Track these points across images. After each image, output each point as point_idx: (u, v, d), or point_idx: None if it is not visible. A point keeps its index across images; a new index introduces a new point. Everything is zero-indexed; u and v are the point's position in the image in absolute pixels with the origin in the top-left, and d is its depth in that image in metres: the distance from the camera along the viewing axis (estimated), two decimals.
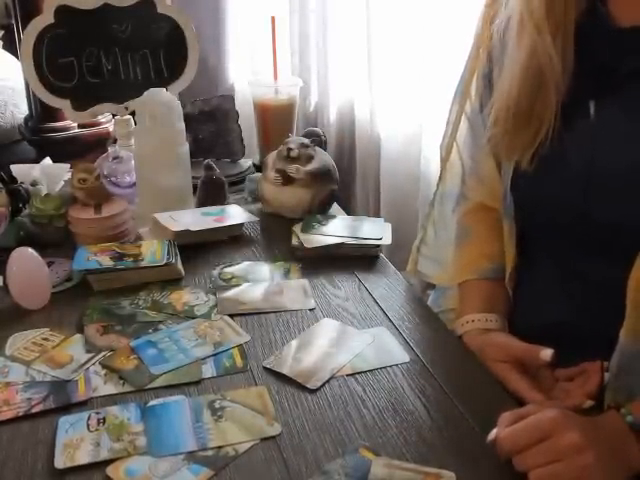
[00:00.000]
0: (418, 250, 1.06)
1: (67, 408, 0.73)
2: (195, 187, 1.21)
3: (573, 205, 0.76)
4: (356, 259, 1.05)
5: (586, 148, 0.75)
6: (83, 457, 0.65)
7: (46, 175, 1.18)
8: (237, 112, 1.45)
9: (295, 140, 1.17)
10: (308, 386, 0.76)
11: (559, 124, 0.75)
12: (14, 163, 1.21)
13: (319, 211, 1.18)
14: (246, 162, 1.45)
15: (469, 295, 0.91)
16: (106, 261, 0.97)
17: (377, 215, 1.63)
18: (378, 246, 1.07)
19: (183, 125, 1.15)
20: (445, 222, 1.02)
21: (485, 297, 0.89)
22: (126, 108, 1.28)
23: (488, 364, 0.80)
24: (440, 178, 1.02)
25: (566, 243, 0.80)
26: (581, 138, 0.75)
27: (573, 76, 0.75)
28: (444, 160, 1.00)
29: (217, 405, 0.73)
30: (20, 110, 2.20)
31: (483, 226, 0.95)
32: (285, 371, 0.79)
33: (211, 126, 1.44)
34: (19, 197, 1.12)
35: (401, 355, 0.83)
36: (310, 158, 1.16)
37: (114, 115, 1.33)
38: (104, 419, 0.70)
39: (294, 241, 1.08)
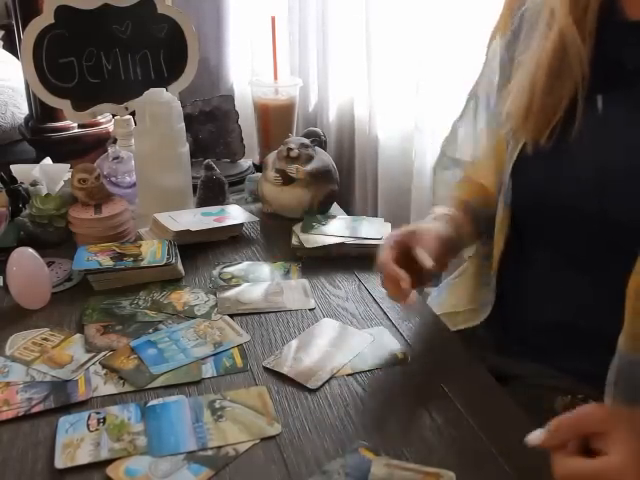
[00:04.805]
0: None
1: (67, 408, 0.73)
2: (195, 187, 1.21)
3: (578, 199, 0.76)
4: (356, 259, 1.05)
5: (593, 142, 0.75)
6: (83, 457, 0.65)
7: (46, 175, 1.18)
8: (237, 112, 1.45)
9: (295, 140, 1.17)
10: (308, 386, 0.76)
11: (567, 117, 0.76)
12: (14, 163, 1.21)
13: (319, 211, 1.18)
14: (246, 162, 1.45)
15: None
16: (106, 261, 0.97)
17: (375, 214, 1.63)
18: (378, 246, 1.07)
19: (183, 125, 1.15)
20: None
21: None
22: (126, 108, 1.28)
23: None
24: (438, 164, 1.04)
25: (568, 240, 0.80)
26: (588, 132, 0.75)
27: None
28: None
29: (217, 405, 0.73)
30: (20, 110, 2.20)
31: (475, 185, 0.96)
32: (285, 371, 0.79)
33: (211, 126, 1.44)
34: (19, 197, 1.12)
35: (401, 355, 0.83)
36: (310, 158, 1.16)
37: (114, 115, 1.33)
38: (104, 419, 0.70)
39: (294, 241, 1.08)
